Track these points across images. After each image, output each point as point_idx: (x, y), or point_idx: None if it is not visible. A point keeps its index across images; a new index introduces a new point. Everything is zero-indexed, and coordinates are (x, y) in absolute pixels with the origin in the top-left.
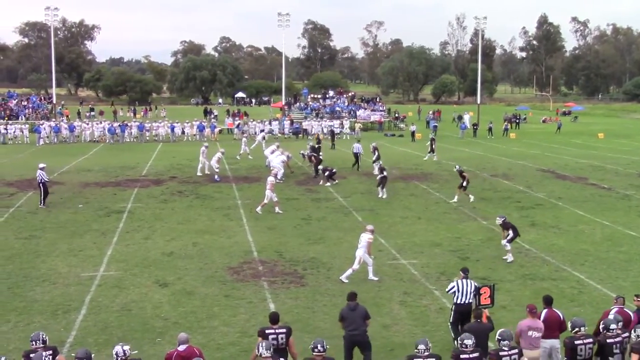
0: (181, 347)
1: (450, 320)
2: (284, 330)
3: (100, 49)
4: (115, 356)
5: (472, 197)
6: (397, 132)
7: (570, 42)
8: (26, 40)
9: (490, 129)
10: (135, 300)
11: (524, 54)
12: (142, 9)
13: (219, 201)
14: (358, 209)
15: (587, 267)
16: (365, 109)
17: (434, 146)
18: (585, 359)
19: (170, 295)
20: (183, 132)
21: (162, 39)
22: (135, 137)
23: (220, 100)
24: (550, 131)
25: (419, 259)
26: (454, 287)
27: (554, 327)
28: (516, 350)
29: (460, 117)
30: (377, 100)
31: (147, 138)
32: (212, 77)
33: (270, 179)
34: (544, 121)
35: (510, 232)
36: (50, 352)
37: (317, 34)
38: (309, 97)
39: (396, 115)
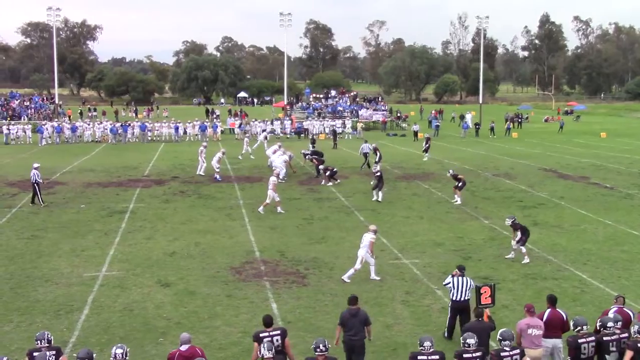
0: (183, 347)
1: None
2: (279, 332)
3: (103, 49)
4: (113, 359)
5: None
6: (399, 132)
7: (572, 41)
8: (28, 40)
9: (492, 129)
10: (137, 300)
11: (526, 53)
12: (144, 9)
13: (221, 201)
14: (360, 208)
15: (590, 267)
16: (368, 108)
17: (428, 145)
18: (589, 358)
19: (172, 295)
20: (185, 132)
21: (164, 39)
22: (138, 137)
23: (222, 100)
24: (553, 130)
25: (421, 258)
26: (449, 282)
27: (556, 327)
28: (518, 351)
29: (462, 117)
30: (379, 99)
31: (150, 138)
32: (214, 77)
33: (273, 178)
34: (546, 120)
35: (519, 232)
36: (54, 352)
37: (319, 33)
38: (311, 96)
39: (398, 114)
